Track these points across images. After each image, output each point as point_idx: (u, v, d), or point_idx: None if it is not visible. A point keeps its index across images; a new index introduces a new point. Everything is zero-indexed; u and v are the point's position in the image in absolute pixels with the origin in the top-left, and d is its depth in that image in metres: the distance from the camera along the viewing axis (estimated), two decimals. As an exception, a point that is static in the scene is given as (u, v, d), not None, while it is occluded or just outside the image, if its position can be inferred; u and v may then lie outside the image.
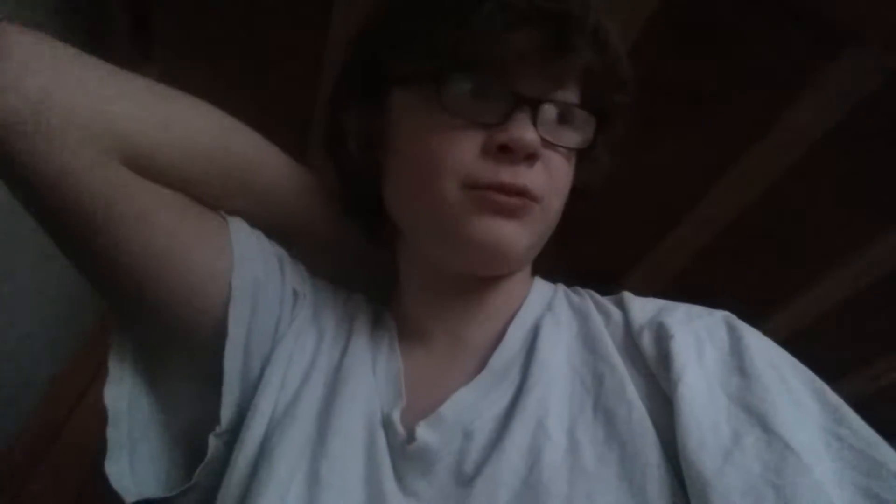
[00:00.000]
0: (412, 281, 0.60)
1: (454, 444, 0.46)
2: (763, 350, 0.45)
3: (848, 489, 0.36)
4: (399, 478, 0.46)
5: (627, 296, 0.55)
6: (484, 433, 0.46)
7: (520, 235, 0.50)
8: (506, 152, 0.48)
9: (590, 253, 0.96)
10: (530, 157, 0.49)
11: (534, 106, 0.49)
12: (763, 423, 0.39)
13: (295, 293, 0.57)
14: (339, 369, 0.53)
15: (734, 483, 0.36)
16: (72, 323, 1.09)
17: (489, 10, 0.46)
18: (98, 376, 1.08)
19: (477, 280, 0.56)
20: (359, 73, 0.57)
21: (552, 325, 0.54)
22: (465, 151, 0.49)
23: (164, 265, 0.49)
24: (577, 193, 0.57)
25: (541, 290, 0.60)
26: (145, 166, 0.49)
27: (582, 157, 0.56)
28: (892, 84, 0.85)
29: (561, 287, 0.61)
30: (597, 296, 0.59)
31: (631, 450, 0.41)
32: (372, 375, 0.53)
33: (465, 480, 0.44)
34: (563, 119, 0.52)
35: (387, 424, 0.49)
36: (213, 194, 0.54)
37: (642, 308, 0.53)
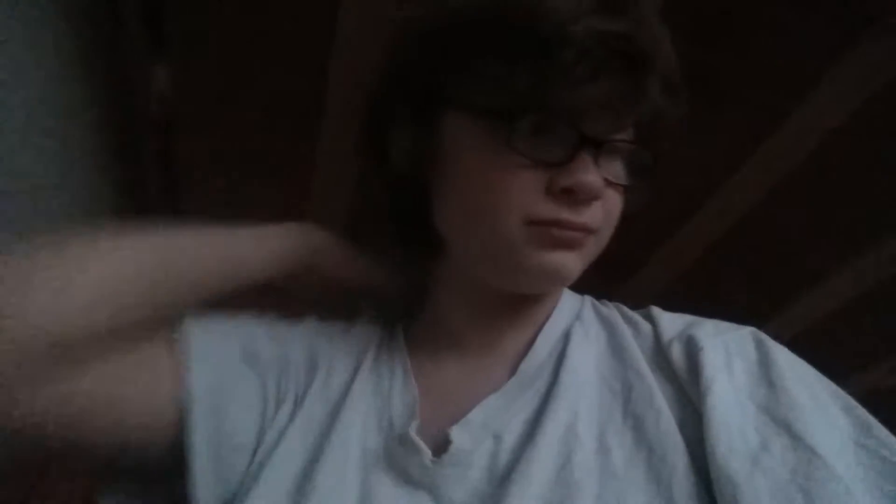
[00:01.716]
0: (453, 295, 0.61)
1: (485, 446, 0.48)
2: (790, 364, 0.47)
3: (876, 495, 0.36)
4: (431, 489, 0.47)
5: (656, 310, 0.57)
6: (513, 435, 0.48)
7: (576, 263, 0.51)
8: (569, 194, 0.49)
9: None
10: (595, 200, 0.50)
11: (598, 146, 0.49)
12: (790, 431, 0.40)
13: (281, 368, 0.56)
14: (338, 408, 0.54)
15: (763, 487, 0.37)
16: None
17: (570, 58, 0.46)
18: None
19: (521, 296, 0.57)
20: (412, 89, 0.56)
21: (581, 334, 0.56)
22: (528, 191, 0.49)
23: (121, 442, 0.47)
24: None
25: (570, 301, 0.61)
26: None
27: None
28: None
29: (588, 298, 0.63)
30: (624, 308, 0.60)
31: (659, 454, 0.43)
32: (379, 401, 0.55)
33: (498, 481, 0.45)
34: (625, 154, 0.52)
35: (405, 444, 0.49)
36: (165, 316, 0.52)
37: (671, 322, 0.54)
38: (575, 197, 0.49)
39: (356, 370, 0.58)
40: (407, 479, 0.48)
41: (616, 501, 0.41)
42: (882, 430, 0.40)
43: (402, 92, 0.57)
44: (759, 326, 0.51)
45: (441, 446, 0.48)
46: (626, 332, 0.55)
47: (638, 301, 0.62)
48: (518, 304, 0.58)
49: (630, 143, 0.52)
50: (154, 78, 0.98)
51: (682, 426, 0.44)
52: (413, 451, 0.48)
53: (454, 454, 0.47)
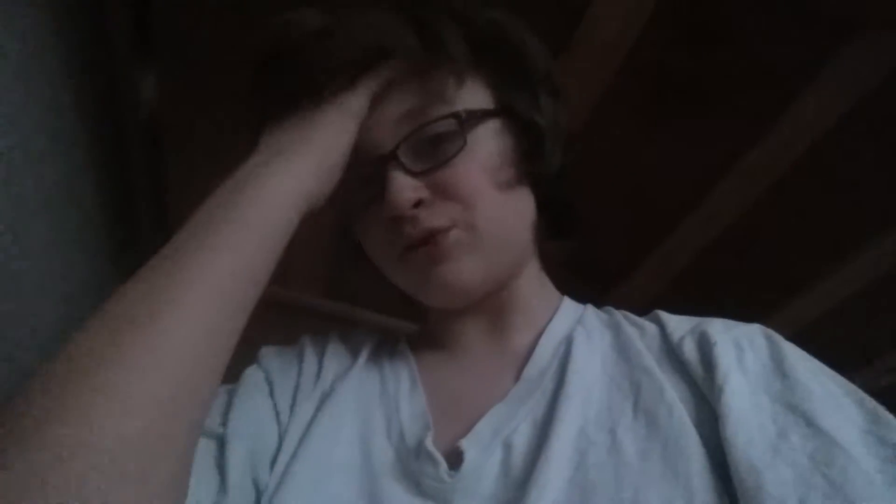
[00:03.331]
0: (432, 310, 0.63)
1: (496, 456, 0.47)
2: (800, 357, 0.48)
3: (888, 481, 0.37)
4: (445, 501, 0.46)
5: (661, 313, 0.58)
6: (524, 441, 0.48)
7: (465, 266, 0.52)
8: (399, 222, 0.51)
9: (592, 253, 0.96)
10: (418, 206, 0.51)
11: (393, 157, 0.51)
12: (807, 420, 0.41)
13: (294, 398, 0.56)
14: (323, 403, 0.55)
15: (786, 474, 0.38)
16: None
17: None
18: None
19: (500, 304, 0.59)
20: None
21: (584, 337, 0.56)
22: (380, 233, 0.54)
23: None
24: (542, 173, 0.57)
25: (571, 307, 0.62)
26: None
27: (519, 142, 0.56)
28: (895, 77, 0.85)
29: (590, 306, 0.63)
30: (627, 313, 0.61)
31: (673, 446, 0.43)
32: (385, 406, 0.55)
33: (514, 489, 0.45)
34: (433, 137, 0.52)
35: (420, 455, 0.49)
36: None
37: (679, 322, 0.55)
38: (401, 221, 0.51)
39: (349, 368, 0.59)
40: (419, 490, 0.47)
41: (634, 496, 0.41)
42: (891, 418, 0.41)
43: None
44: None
45: (452, 458, 0.48)
46: (631, 333, 0.55)
47: (630, 309, 0.62)
48: (503, 306, 0.59)
49: (425, 126, 0.51)
50: (142, 87, 0.98)
51: (696, 421, 0.44)
52: (429, 464, 0.48)
53: (469, 469, 0.47)
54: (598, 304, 0.65)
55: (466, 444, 0.48)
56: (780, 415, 0.42)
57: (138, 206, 1.17)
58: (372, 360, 0.61)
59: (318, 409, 0.54)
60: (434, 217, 0.51)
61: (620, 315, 0.60)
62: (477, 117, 0.53)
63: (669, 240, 1.18)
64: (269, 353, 0.60)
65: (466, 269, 0.52)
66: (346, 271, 1.25)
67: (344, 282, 1.31)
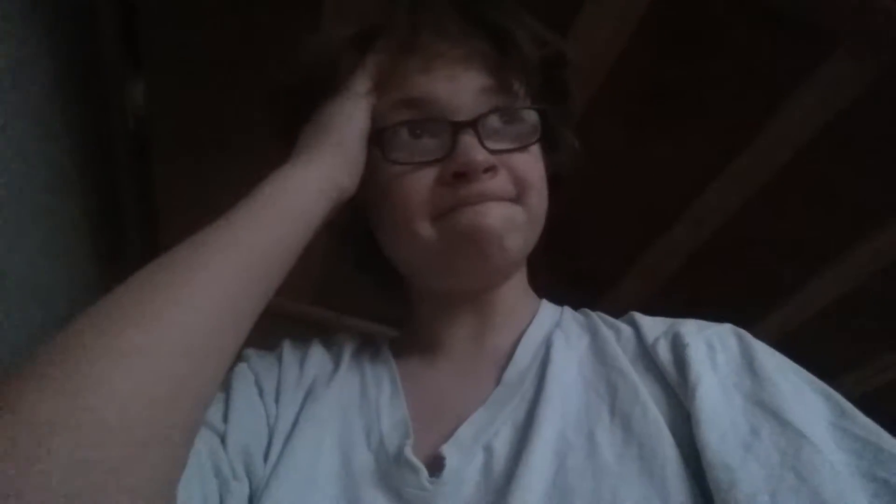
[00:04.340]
0: (427, 308, 0.63)
1: (477, 459, 0.48)
2: (769, 355, 0.49)
3: (856, 475, 0.38)
4: None
5: (637, 315, 0.58)
6: (504, 445, 0.48)
7: (507, 238, 0.53)
8: (461, 177, 0.51)
9: (580, 259, 0.96)
10: (488, 171, 0.52)
11: (473, 125, 0.52)
12: (777, 417, 0.42)
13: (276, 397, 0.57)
14: (303, 406, 0.55)
15: (758, 471, 0.39)
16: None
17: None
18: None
19: (490, 300, 0.60)
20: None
21: (563, 340, 0.57)
22: (423, 191, 0.53)
23: None
24: (555, 181, 0.61)
25: (549, 310, 0.63)
26: None
27: (549, 145, 0.60)
28: (877, 86, 0.86)
29: (567, 308, 0.64)
30: (603, 315, 0.61)
31: (648, 447, 0.44)
32: (365, 412, 0.55)
33: (494, 493, 0.45)
34: (510, 120, 0.55)
35: (400, 463, 0.49)
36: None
37: (653, 323, 0.56)
38: (467, 178, 0.51)
39: (331, 373, 0.59)
40: (400, 498, 0.47)
41: (612, 498, 0.41)
42: (857, 413, 0.43)
43: None
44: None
45: (433, 464, 0.48)
46: (607, 335, 0.56)
47: (618, 314, 0.63)
48: (486, 300, 0.60)
49: (502, 110, 0.54)
50: (130, 95, 0.98)
51: (670, 421, 0.45)
52: (409, 471, 0.48)
53: (450, 474, 0.47)
54: (589, 309, 0.66)
55: (447, 450, 0.48)
56: (750, 412, 0.44)
57: (125, 215, 1.16)
58: (354, 364, 0.61)
59: (300, 414, 0.54)
60: (502, 187, 0.53)
61: (597, 317, 0.61)
62: (551, 119, 0.57)
63: (657, 245, 1.19)
64: (252, 355, 0.60)
65: (510, 239, 0.53)
66: (335, 276, 1.25)
67: (332, 290, 1.30)
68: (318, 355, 0.62)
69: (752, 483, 0.38)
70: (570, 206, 0.67)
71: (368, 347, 0.64)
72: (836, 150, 0.97)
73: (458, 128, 0.52)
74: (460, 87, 0.54)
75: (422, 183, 0.53)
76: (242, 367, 0.57)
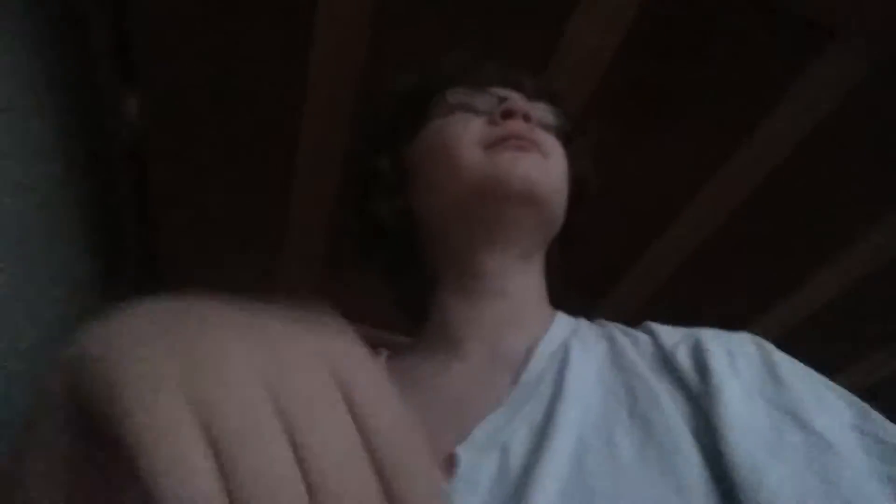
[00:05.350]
0: (444, 301, 0.64)
1: (492, 459, 0.47)
2: (788, 361, 0.50)
3: (881, 479, 0.39)
4: None
5: (652, 323, 0.59)
6: (521, 445, 0.47)
7: (541, 168, 0.60)
8: (509, 115, 0.61)
9: (576, 265, 0.96)
10: (529, 122, 0.61)
11: (520, 88, 0.67)
12: (800, 422, 0.43)
13: None
14: None
15: (784, 475, 0.39)
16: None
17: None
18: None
19: (506, 281, 0.63)
20: (400, 120, 0.71)
21: (580, 346, 0.57)
22: (475, 129, 0.61)
23: None
24: (577, 186, 0.69)
25: (565, 319, 0.64)
26: None
27: (570, 154, 0.67)
28: (874, 79, 0.87)
29: (583, 319, 0.65)
30: (618, 324, 0.62)
31: (668, 451, 0.43)
32: None
33: (511, 493, 0.44)
34: (545, 115, 0.67)
35: None
36: None
37: (670, 332, 0.57)
38: (513, 116, 0.61)
39: None
40: None
41: (632, 499, 0.41)
42: (879, 416, 0.43)
43: (395, 125, 0.71)
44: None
45: (447, 465, 0.47)
46: (625, 342, 0.56)
47: (616, 320, 0.63)
48: (508, 293, 0.62)
49: (543, 90, 0.69)
50: (125, 107, 0.98)
51: (690, 426, 0.45)
52: None
53: (464, 474, 0.46)
54: (587, 315, 0.66)
55: (461, 450, 0.48)
56: (774, 417, 0.44)
57: (123, 233, 1.16)
58: None
59: None
60: (542, 140, 0.62)
61: (613, 326, 0.61)
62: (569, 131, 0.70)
63: (652, 251, 1.19)
64: None
65: (543, 171, 0.61)
66: (338, 284, 1.25)
67: (332, 301, 1.30)
68: None
69: (779, 484, 0.38)
70: (571, 214, 0.68)
71: None
72: (828, 149, 0.97)
73: (504, 97, 0.64)
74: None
75: (473, 122, 0.62)
76: None
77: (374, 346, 0.67)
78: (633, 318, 0.62)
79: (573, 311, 0.66)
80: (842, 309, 1.26)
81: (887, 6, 0.76)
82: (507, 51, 0.75)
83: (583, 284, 1.15)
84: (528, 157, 0.60)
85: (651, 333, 0.57)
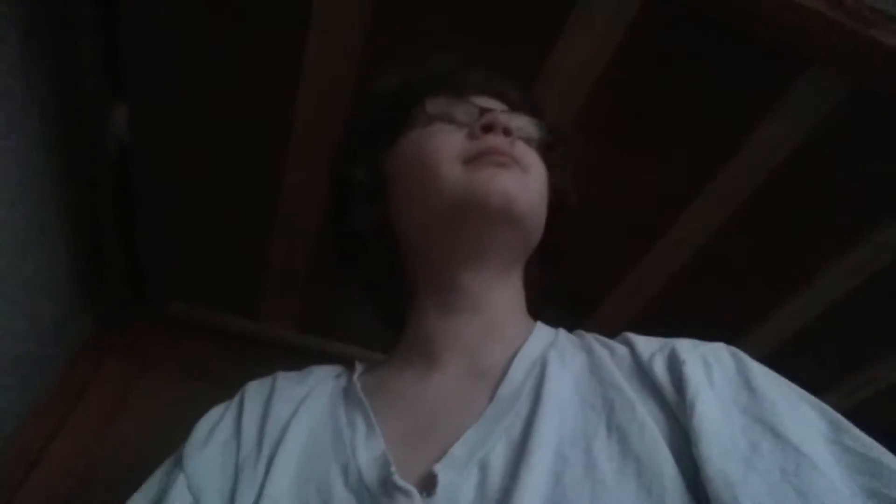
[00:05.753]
0: (423, 316, 0.64)
1: (472, 476, 0.47)
2: (763, 372, 0.50)
3: (855, 491, 0.38)
4: None
5: (630, 334, 0.59)
6: (500, 461, 0.47)
7: (520, 184, 0.60)
8: (489, 128, 0.62)
9: (562, 281, 0.96)
10: (509, 136, 0.62)
11: (501, 97, 0.70)
12: (775, 432, 0.43)
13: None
14: (277, 445, 0.54)
15: (759, 487, 0.39)
16: (41, 362, 1.06)
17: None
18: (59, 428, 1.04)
19: (484, 295, 0.62)
20: (379, 127, 0.71)
21: (558, 358, 0.57)
22: (455, 143, 0.62)
23: None
24: (557, 197, 0.70)
25: (544, 330, 0.64)
26: None
27: (550, 164, 0.69)
28: (846, 106, 0.89)
29: (562, 330, 0.65)
30: (596, 335, 0.62)
31: (647, 463, 0.43)
32: (340, 450, 0.53)
33: None
34: (524, 126, 0.68)
35: (388, 490, 0.47)
36: None
37: (647, 342, 0.57)
38: (493, 131, 0.61)
39: (294, 412, 0.58)
40: None
41: None
42: (852, 427, 0.43)
43: (373, 133, 0.71)
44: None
45: (426, 484, 0.47)
46: (602, 354, 0.56)
47: (603, 335, 0.63)
48: (488, 321, 0.61)
49: (525, 100, 0.72)
50: (112, 119, 0.97)
51: (667, 438, 0.45)
52: (401, 496, 0.46)
53: (444, 493, 0.46)
54: (569, 328, 0.66)
55: (440, 468, 0.47)
56: (749, 428, 0.44)
57: (107, 248, 1.15)
58: (325, 407, 0.59)
59: (267, 474, 0.52)
60: (521, 153, 0.63)
61: (591, 337, 0.61)
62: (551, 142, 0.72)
63: (637, 269, 1.20)
64: (193, 451, 0.56)
65: (522, 189, 0.61)
66: (318, 302, 1.25)
67: (316, 315, 1.29)
68: (283, 400, 0.60)
69: (754, 497, 0.38)
70: (550, 226, 0.68)
71: (340, 380, 0.63)
72: (812, 167, 0.99)
73: (483, 111, 0.65)
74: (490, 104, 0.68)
75: (453, 136, 0.63)
76: (175, 479, 0.54)
77: (342, 372, 0.66)
78: (618, 333, 0.62)
79: (556, 323, 0.66)
80: (818, 331, 1.27)
81: (859, 37, 0.78)
82: (496, 66, 0.76)
83: (567, 303, 1.15)
84: (507, 174, 0.60)
85: (628, 344, 0.57)
